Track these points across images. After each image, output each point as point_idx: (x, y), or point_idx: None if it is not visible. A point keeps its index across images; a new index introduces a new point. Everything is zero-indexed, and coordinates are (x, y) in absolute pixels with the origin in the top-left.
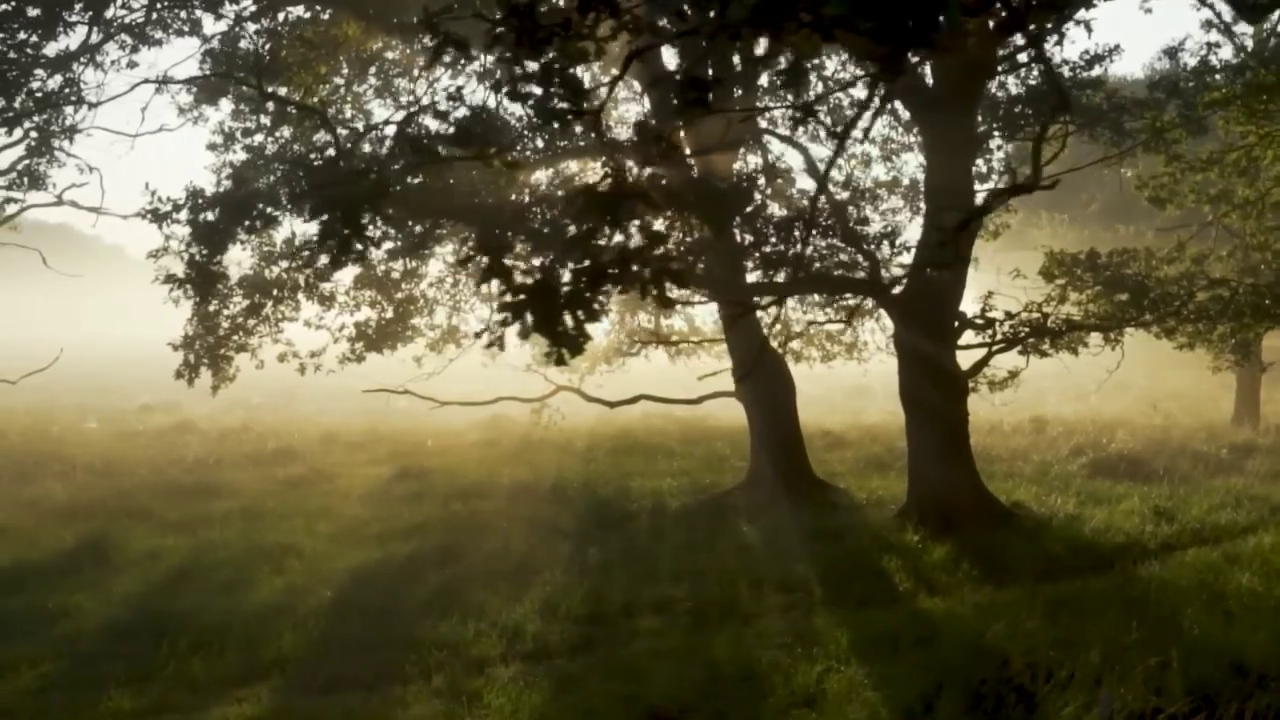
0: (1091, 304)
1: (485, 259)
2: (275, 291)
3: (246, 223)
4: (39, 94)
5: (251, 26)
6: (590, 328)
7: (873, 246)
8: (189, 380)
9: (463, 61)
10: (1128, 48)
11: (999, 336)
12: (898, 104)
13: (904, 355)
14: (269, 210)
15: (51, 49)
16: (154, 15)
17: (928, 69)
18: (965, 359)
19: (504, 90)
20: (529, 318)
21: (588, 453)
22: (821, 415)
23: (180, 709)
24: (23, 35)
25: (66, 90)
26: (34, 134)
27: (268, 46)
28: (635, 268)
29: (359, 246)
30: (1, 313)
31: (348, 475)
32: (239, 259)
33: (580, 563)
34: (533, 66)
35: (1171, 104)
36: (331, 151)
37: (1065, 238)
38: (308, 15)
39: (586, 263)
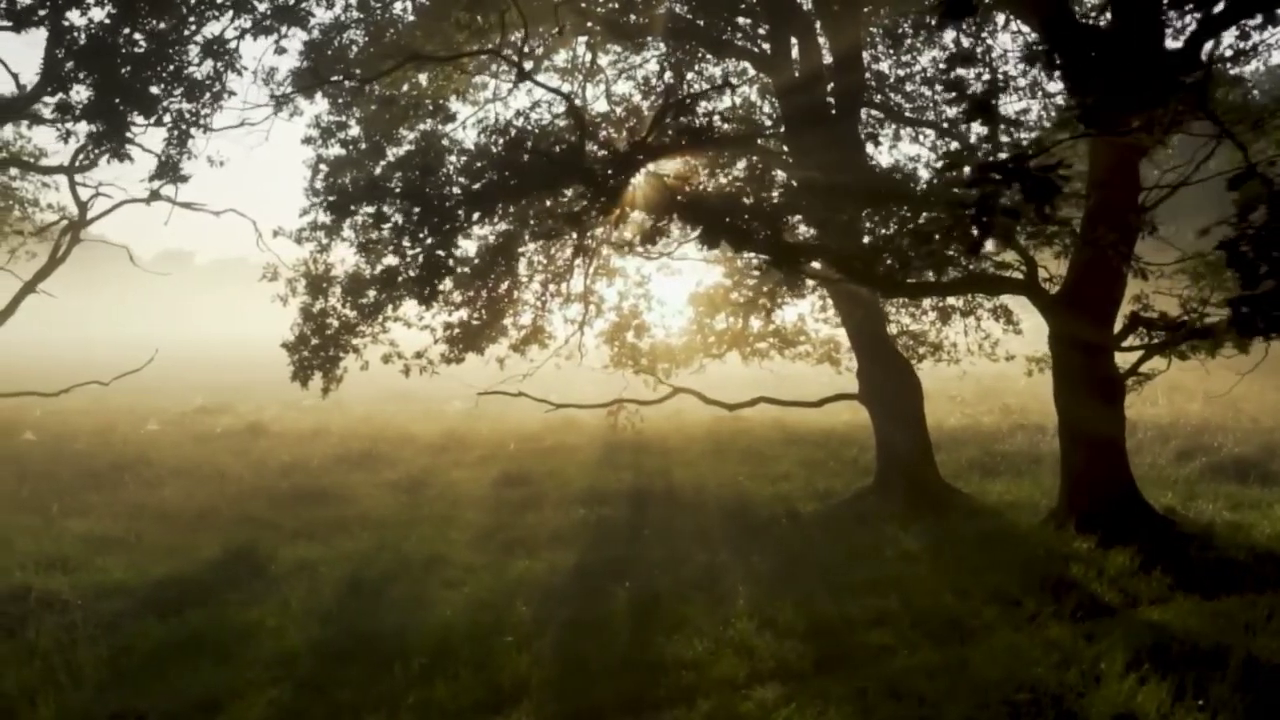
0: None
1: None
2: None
3: (472, 213)
4: (186, 80)
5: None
6: None
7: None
8: (303, 382)
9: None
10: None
11: (1155, 338)
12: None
13: (1060, 357)
14: (497, 199)
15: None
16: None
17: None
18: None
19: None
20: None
21: (679, 455)
22: None
23: None
24: (170, 20)
25: (218, 76)
26: (175, 124)
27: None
28: None
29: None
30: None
31: (445, 479)
32: (342, 256)
33: (752, 572)
34: None
35: None
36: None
37: None
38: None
39: None
